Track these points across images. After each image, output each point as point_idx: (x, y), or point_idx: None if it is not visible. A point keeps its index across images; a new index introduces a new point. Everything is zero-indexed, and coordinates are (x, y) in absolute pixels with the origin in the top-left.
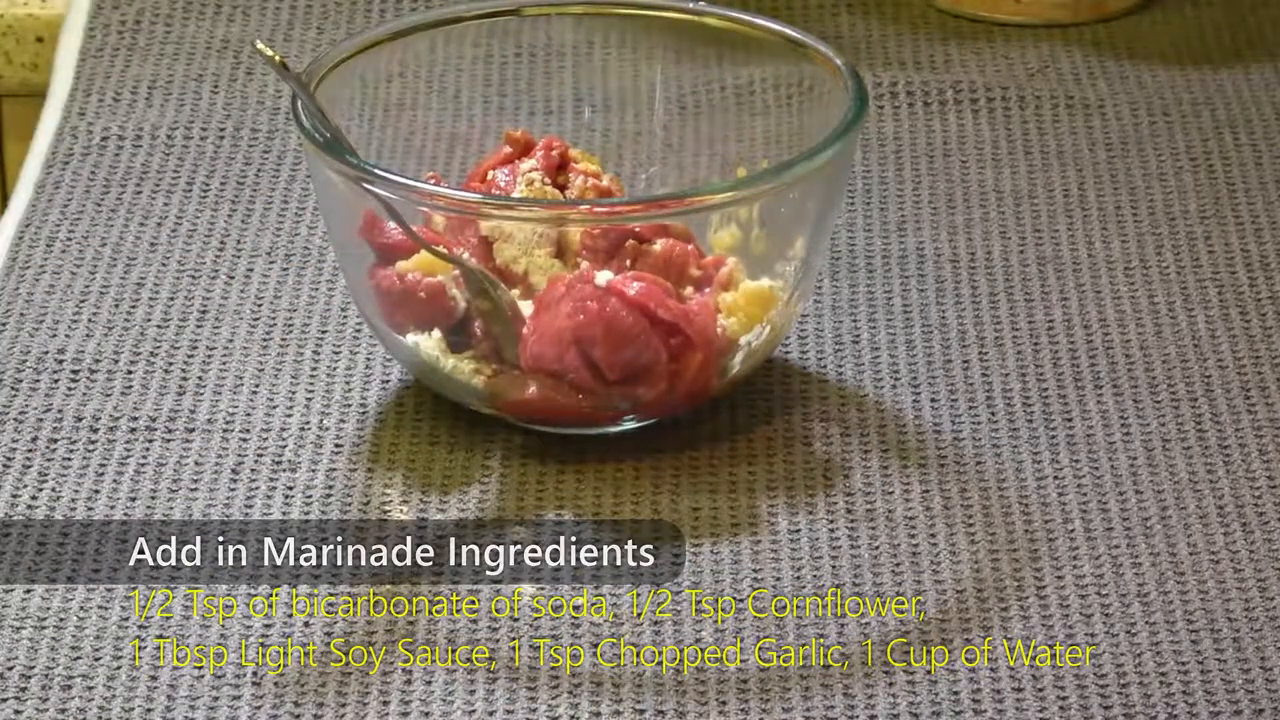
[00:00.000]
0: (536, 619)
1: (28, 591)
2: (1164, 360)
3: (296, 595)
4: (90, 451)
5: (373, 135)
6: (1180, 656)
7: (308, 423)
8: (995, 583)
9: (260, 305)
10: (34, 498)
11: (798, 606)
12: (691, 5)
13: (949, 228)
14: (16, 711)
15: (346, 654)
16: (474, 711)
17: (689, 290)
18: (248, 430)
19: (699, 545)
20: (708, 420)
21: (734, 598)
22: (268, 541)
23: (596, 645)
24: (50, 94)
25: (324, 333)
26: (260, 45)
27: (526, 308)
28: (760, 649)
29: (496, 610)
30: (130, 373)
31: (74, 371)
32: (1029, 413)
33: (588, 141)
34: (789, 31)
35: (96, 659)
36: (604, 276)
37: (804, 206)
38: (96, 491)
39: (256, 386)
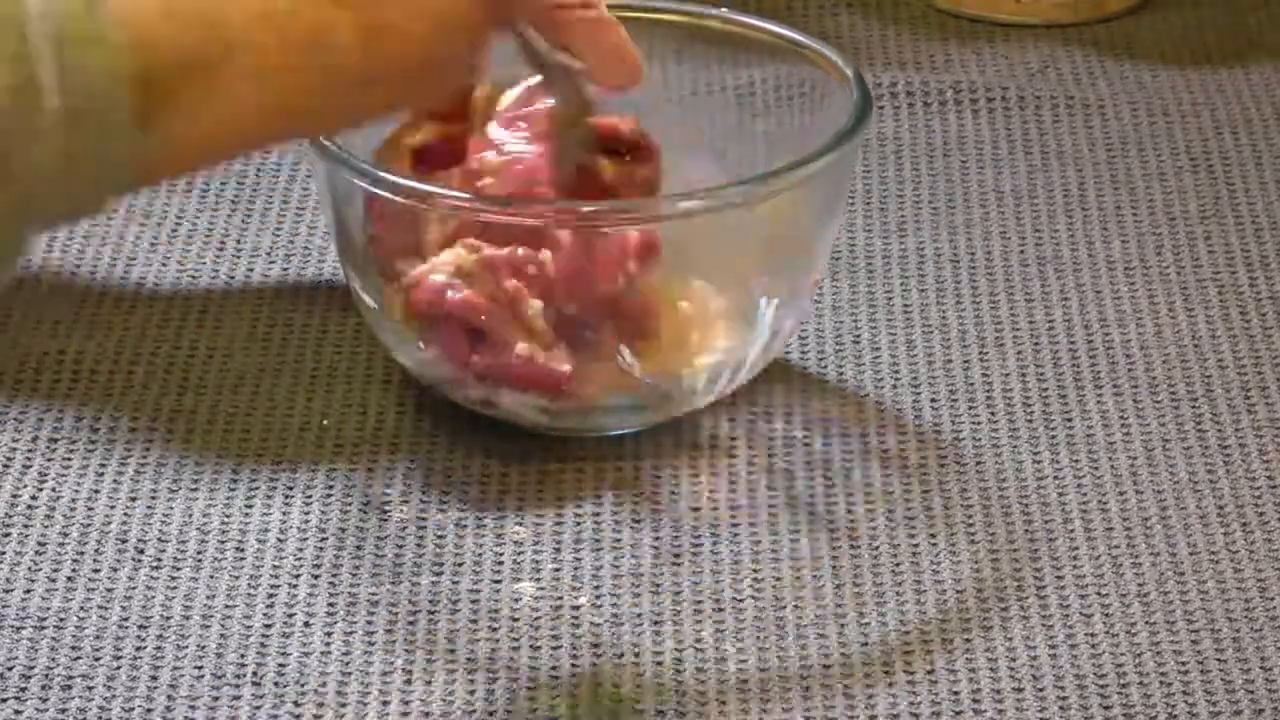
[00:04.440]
0: (536, 619)
1: (27, 592)
2: (1164, 360)
3: (297, 595)
4: (90, 451)
5: (372, 135)
6: (1180, 656)
7: (308, 423)
8: (995, 583)
9: (260, 305)
10: (34, 498)
11: (798, 606)
12: (692, 7)
13: (949, 228)
14: (16, 711)
15: (347, 654)
16: (474, 711)
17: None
18: (248, 430)
19: (699, 545)
20: (707, 420)
21: (734, 598)
22: (268, 541)
23: (596, 645)
24: None
25: (324, 333)
26: None
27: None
28: (760, 649)
29: (496, 610)
30: (131, 373)
31: (74, 371)
32: (1029, 413)
33: None
34: (790, 34)
35: (96, 659)
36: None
37: (805, 211)
38: (96, 491)
39: (257, 386)
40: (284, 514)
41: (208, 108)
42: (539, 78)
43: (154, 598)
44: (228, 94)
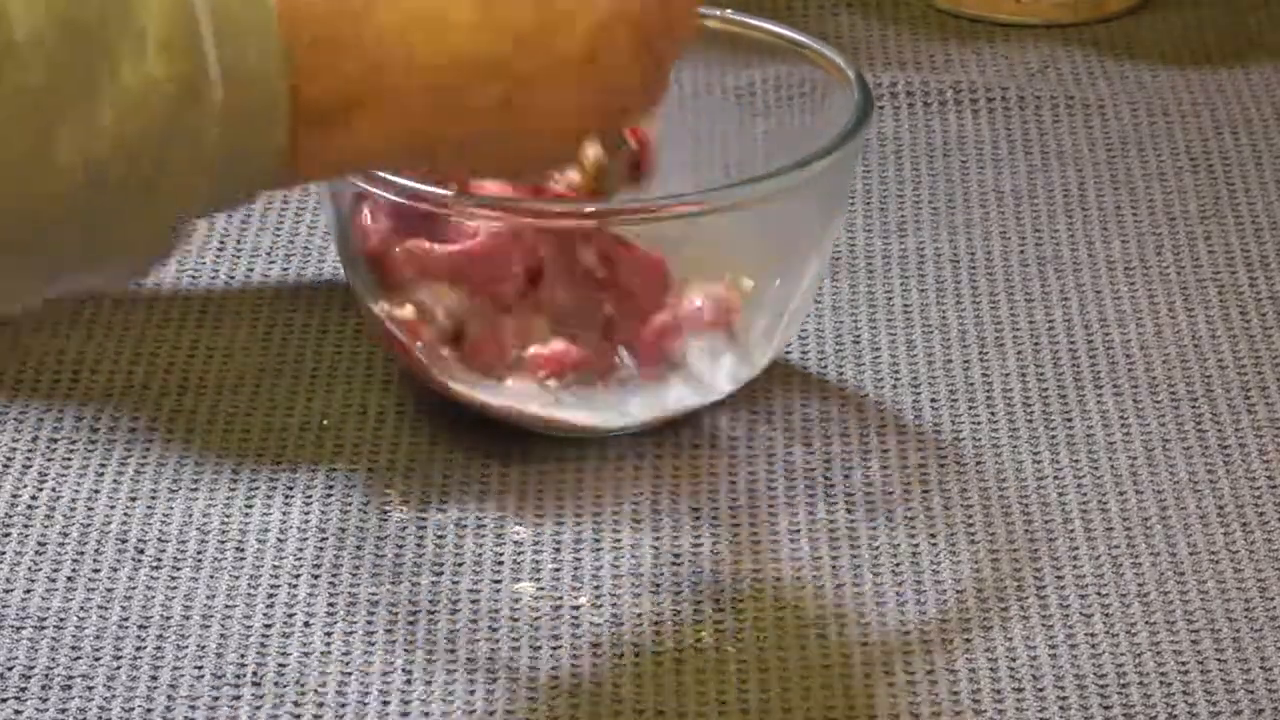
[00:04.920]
0: (536, 619)
1: (27, 592)
2: (1164, 360)
3: (297, 595)
4: (90, 451)
5: None
6: (1180, 656)
7: (308, 423)
8: (995, 583)
9: (260, 305)
10: (34, 498)
11: (798, 606)
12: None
13: (949, 228)
14: (16, 711)
15: (347, 654)
16: (474, 711)
17: None
18: (248, 430)
19: (699, 545)
20: (707, 421)
21: (734, 598)
22: (268, 541)
23: (596, 645)
24: None
25: (324, 333)
26: None
27: None
28: (760, 649)
29: (496, 610)
30: (131, 373)
31: (74, 371)
32: (1029, 413)
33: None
34: (791, 34)
35: (96, 659)
36: None
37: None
38: (96, 491)
39: (257, 386)
40: (284, 514)
41: (355, 136)
42: None
43: (154, 598)
44: (385, 95)
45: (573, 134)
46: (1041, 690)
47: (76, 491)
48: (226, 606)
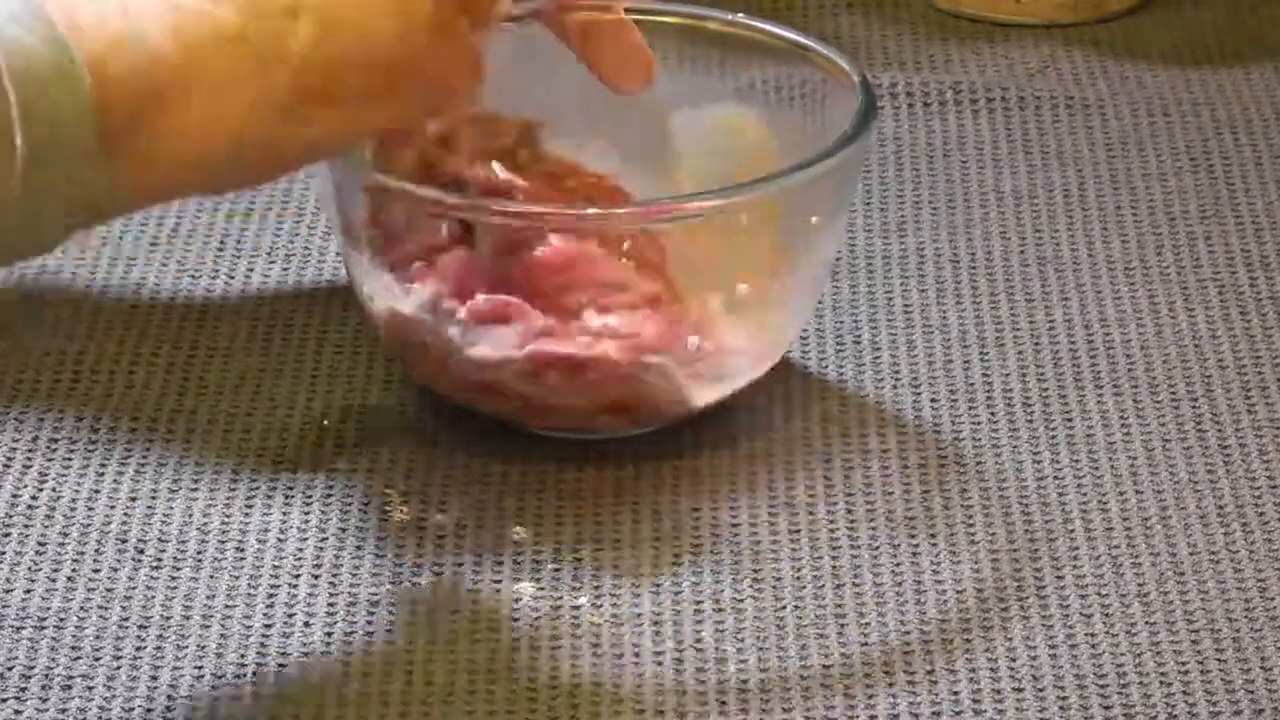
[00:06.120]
0: (536, 619)
1: (28, 592)
2: (1164, 360)
3: (297, 595)
4: (90, 451)
5: None
6: (1180, 656)
7: (308, 423)
8: (995, 583)
9: (260, 305)
10: (34, 498)
11: (798, 606)
12: (692, 8)
13: (949, 228)
14: (16, 711)
15: (347, 654)
16: (474, 712)
17: None
18: (248, 430)
19: (699, 545)
20: (707, 422)
21: (734, 598)
22: (268, 541)
23: (596, 645)
24: None
25: (324, 333)
26: None
27: None
28: (760, 649)
29: (496, 610)
30: (131, 373)
31: (75, 371)
32: (1029, 413)
33: (589, 144)
34: (794, 36)
35: (96, 659)
36: None
37: (808, 216)
38: (96, 491)
39: (257, 386)
40: (284, 514)
41: (168, 136)
42: None
43: (154, 598)
44: (187, 121)
45: (405, 46)
46: (1041, 690)
47: (76, 491)
48: (226, 606)
